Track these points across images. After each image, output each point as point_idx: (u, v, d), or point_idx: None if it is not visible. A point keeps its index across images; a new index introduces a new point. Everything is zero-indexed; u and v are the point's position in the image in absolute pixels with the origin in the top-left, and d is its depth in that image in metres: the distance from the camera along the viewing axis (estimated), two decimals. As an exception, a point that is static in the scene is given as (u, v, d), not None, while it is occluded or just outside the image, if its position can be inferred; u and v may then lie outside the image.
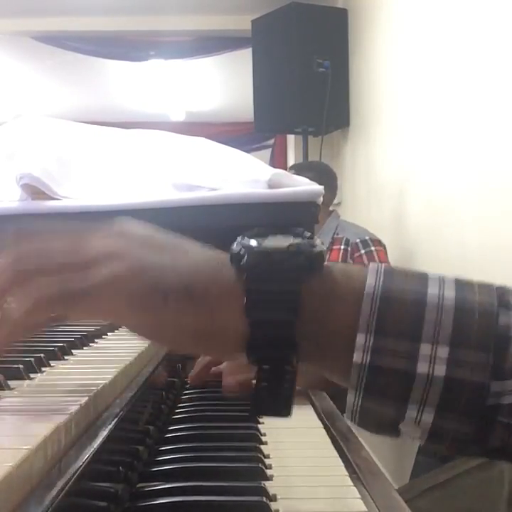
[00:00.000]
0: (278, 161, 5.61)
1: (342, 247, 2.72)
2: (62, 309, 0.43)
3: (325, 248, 0.43)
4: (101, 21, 4.43)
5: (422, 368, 0.40)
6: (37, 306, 0.43)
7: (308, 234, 0.44)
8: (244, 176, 1.42)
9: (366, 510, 0.49)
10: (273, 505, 0.49)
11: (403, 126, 2.77)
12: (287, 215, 1.39)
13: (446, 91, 2.24)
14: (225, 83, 5.85)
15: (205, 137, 1.63)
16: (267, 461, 0.59)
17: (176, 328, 0.42)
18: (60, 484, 0.37)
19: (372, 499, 0.52)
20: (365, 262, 2.67)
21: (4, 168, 1.46)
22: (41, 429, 0.39)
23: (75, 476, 0.38)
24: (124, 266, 0.43)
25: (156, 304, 0.42)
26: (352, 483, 0.55)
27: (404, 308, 0.41)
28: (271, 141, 6.22)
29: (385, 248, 2.75)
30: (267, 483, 0.53)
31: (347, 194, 3.87)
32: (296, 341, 0.41)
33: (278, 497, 0.51)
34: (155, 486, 0.52)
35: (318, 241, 0.43)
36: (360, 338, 0.40)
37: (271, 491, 0.51)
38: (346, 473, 0.57)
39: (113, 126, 1.81)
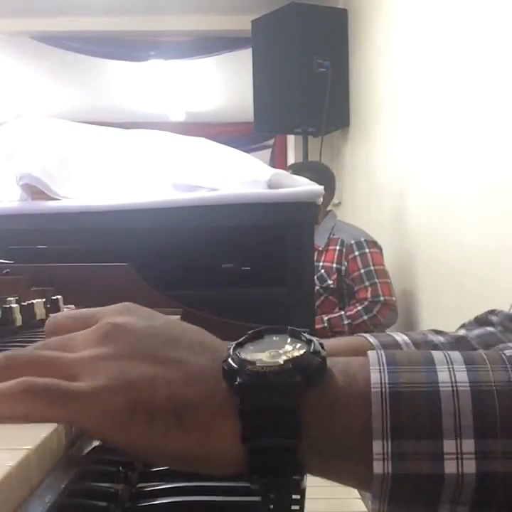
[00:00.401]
0: (278, 161, 5.61)
1: (337, 247, 2.72)
2: (43, 406, 0.39)
3: (326, 353, 0.40)
4: (101, 21, 4.43)
5: (449, 467, 0.37)
6: (22, 395, 0.39)
7: (307, 336, 0.41)
8: (244, 176, 1.42)
9: (366, 510, 0.49)
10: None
11: (403, 126, 2.77)
12: (287, 215, 1.39)
13: (446, 91, 2.24)
14: (225, 83, 5.85)
15: (205, 137, 1.64)
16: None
17: (162, 451, 0.39)
18: (60, 484, 0.37)
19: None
20: (359, 264, 2.67)
21: (4, 168, 1.46)
22: (41, 429, 0.39)
23: (75, 476, 0.38)
24: (102, 382, 0.38)
25: (139, 425, 0.38)
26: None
27: (417, 403, 0.38)
28: (271, 141, 6.22)
29: (380, 250, 2.75)
30: (267, 483, 0.53)
31: (347, 194, 3.87)
32: (301, 465, 0.38)
33: (278, 497, 0.51)
34: (155, 486, 0.52)
35: (316, 343, 0.40)
36: (376, 447, 0.37)
37: (271, 491, 0.51)
38: (346, 474, 0.57)
39: (113, 126, 1.81)
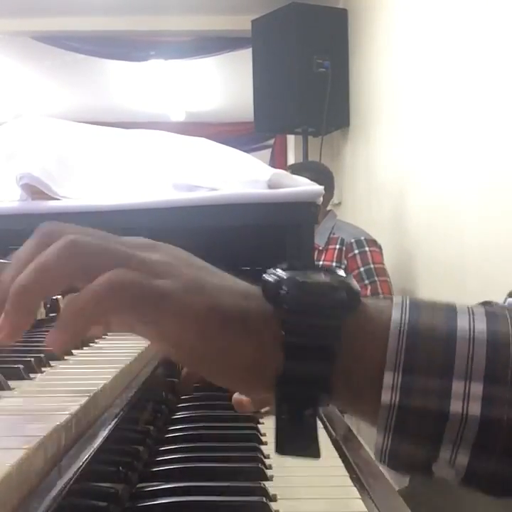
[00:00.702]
0: (278, 161, 5.61)
1: (337, 246, 2.73)
2: (136, 305, 0.39)
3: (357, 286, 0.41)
4: (101, 21, 4.43)
5: (455, 406, 0.38)
6: (114, 291, 0.38)
7: (340, 271, 0.42)
8: (244, 176, 1.42)
9: (366, 510, 0.49)
10: (273, 505, 0.49)
11: (403, 126, 2.77)
12: (287, 215, 1.39)
13: (446, 91, 2.24)
14: (225, 83, 5.85)
15: (205, 137, 1.63)
16: (267, 461, 0.59)
17: (227, 358, 0.40)
18: (60, 484, 0.37)
19: (372, 499, 0.52)
20: (359, 262, 2.68)
21: (4, 168, 1.46)
22: (41, 429, 0.39)
23: (75, 476, 0.38)
24: (182, 283, 0.39)
25: (214, 327, 0.39)
26: (352, 484, 0.54)
27: (433, 343, 0.39)
28: (271, 141, 6.22)
29: (380, 249, 2.75)
30: (267, 483, 0.53)
31: (347, 194, 3.87)
32: (330, 381, 0.39)
33: (278, 497, 0.51)
34: (155, 486, 0.52)
35: (351, 278, 0.41)
36: (387, 377, 0.38)
37: (271, 491, 0.51)
38: (346, 474, 0.57)
39: (113, 126, 1.81)
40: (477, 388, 0.38)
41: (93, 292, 0.38)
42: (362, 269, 2.67)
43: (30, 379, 0.56)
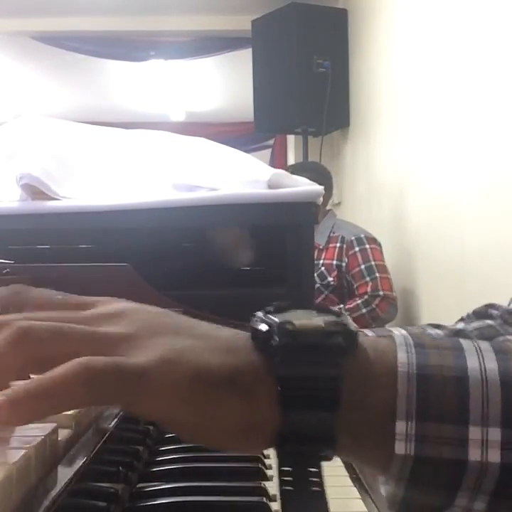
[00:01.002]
0: (278, 161, 5.61)
1: (337, 245, 2.74)
2: (105, 390, 0.34)
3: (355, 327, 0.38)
4: (101, 21, 4.43)
5: (473, 455, 0.36)
6: (83, 378, 0.34)
7: (334, 309, 0.39)
8: (244, 176, 1.42)
9: (366, 510, 0.49)
10: (273, 506, 0.49)
11: (403, 126, 2.77)
12: (287, 215, 1.39)
13: (446, 91, 2.24)
14: (225, 83, 5.85)
15: (205, 137, 1.63)
16: (267, 461, 0.59)
17: (222, 423, 0.36)
18: (60, 484, 0.37)
19: (372, 499, 0.52)
20: (359, 259, 2.69)
21: (4, 168, 1.46)
22: (41, 429, 0.39)
23: (75, 476, 0.38)
24: (156, 354, 0.35)
25: (201, 395, 0.36)
26: (352, 484, 0.54)
27: (445, 387, 0.36)
28: (271, 141, 6.22)
29: (380, 247, 2.76)
30: (267, 483, 0.53)
31: (347, 194, 3.87)
32: (334, 436, 0.36)
33: (278, 497, 0.51)
34: (155, 486, 0.52)
35: (347, 317, 0.39)
36: (400, 426, 0.36)
37: (271, 491, 0.51)
38: (346, 474, 0.57)
39: (113, 126, 1.81)
40: (495, 434, 0.36)
41: (58, 385, 0.33)
42: (363, 266, 2.68)
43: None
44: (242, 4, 4.14)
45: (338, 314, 0.38)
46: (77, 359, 0.34)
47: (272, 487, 0.52)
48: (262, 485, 0.52)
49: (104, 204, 1.37)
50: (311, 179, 1.47)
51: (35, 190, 1.37)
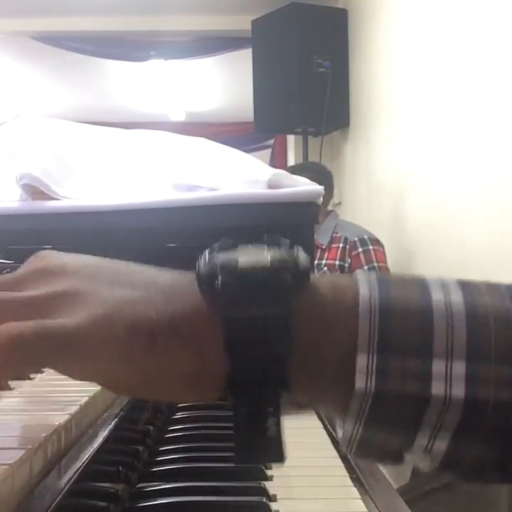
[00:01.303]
0: (278, 161, 5.61)
1: (340, 245, 2.74)
2: (38, 355, 0.33)
3: (309, 257, 0.36)
4: (101, 21, 4.43)
5: (436, 388, 0.34)
6: (13, 348, 0.32)
7: (286, 241, 0.37)
8: (244, 176, 1.42)
9: (366, 510, 0.49)
10: (273, 505, 0.49)
11: (403, 126, 2.77)
12: (287, 215, 1.39)
13: (446, 91, 2.24)
14: (225, 83, 5.85)
15: (205, 137, 1.64)
16: (267, 461, 0.59)
17: (167, 375, 0.34)
18: (60, 484, 0.37)
19: (372, 499, 0.52)
20: (363, 260, 2.69)
21: (4, 168, 1.46)
22: (41, 429, 0.39)
23: (75, 476, 0.38)
24: (87, 310, 0.34)
25: (142, 348, 0.33)
26: (352, 484, 0.54)
27: (408, 319, 0.34)
28: (271, 141, 6.22)
29: (383, 248, 2.76)
30: (267, 483, 0.53)
31: (347, 194, 3.87)
32: (287, 376, 0.34)
33: (278, 497, 0.51)
34: (155, 486, 0.52)
35: (300, 251, 0.36)
36: (361, 360, 0.34)
37: (271, 491, 0.51)
38: (346, 474, 0.57)
39: (113, 126, 1.81)
40: (459, 367, 0.34)
41: None
42: (366, 267, 2.68)
43: (31, 379, 0.56)
44: (242, 4, 4.14)
45: (290, 248, 0.36)
46: (5, 324, 0.33)
47: (272, 487, 0.52)
48: (262, 485, 0.52)
49: (104, 204, 1.37)
50: (311, 179, 1.47)
51: (35, 190, 1.37)
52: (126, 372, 0.34)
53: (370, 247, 2.72)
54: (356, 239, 2.73)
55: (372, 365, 0.34)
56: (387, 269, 2.71)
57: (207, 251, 0.37)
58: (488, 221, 1.89)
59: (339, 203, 3.98)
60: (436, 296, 0.35)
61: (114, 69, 5.40)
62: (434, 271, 2.39)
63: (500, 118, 1.81)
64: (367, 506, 0.50)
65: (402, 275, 0.38)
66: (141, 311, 0.34)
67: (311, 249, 1.43)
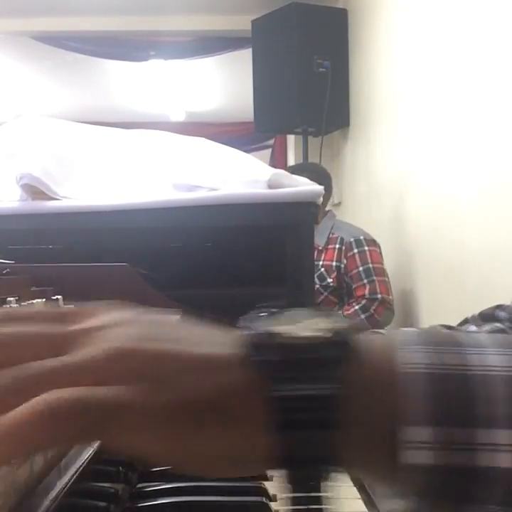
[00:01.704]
0: (278, 161, 5.60)
1: (336, 246, 2.74)
2: (83, 436, 0.32)
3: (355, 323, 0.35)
4: (101, 21, 4.43)
5: (483, 460, 0.32)
6: (45, 418, 0.29)
7: (332, 312, 0.36)
8: (244, 176, 1.42)
9: (366, 510, 0.49)
10: (273, 505, 0.49)
11: (403, 126, 2.77)
12: (287, 215, 1.39)
13: (446, 91, 2.23)
14: (225, 83, 5.85)
15: (205, 137, 1.64)
16: (267, 461, 0.59)
17: (210, 454, 0.33)
18: (60, 484, 0.37)
19: (372, 499, 0.52)
20: (358, 261, 2.68)
21: (5, 168, 1.46)
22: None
23: (75, 476, 0.38)
24: (135, 389, 0.31)
25: (188, 426, 0.32)
26: (352, 483, 0.54)
27: (450, 387, 0.32)
28: (271, 141, 6.22)
29: (379, 248, 2.76)
30: (267, 483, 0.53)
31: (347, 194, 3.87)
32: (339, 453, 0.32)
33: (278, 497, 0.51)
34: (155, 486, 0.52)
35: (346, 320, 0.35)
36: (414, 434, 0.32)
37: (271, 491, 0.51)
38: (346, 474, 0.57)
39: (113, 126, 1.81)
40: (504, 436, 0.32)
41: (18, 428, 0.29)
42: (361, 268, 2.68)
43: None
44: (242, 4, 4.14)
45: (337, 318, 0.35)
46: (41, 396, 0.30)
47: (272, 487, 0.52)
48: (262, 485, 0.52)
49: (104, 204, 1.37)
50: (310, 180, 1.47)
51: (35, 190, 1.37)
52: (167, 450, 0.32)
53: (366, 248, 2.71)
54: (352, 239, 2.72)
55: (432, 438, 0.32)
56: (382, 270, 2.70)
57: (251, 315, 0.36)
58: (488, 221, 1.89)
59: (339, 203, 3.98)
60: (474, 360, 0.34)
61: (114, 69, 5.40)
62: (434, 271, 2.39)
63: (500, 118, 1.81)
64: (367, 506, 0.50)
65: (436, 332, 0.37)
66: (191, 382, 0.32)
67: (311, 249, 1.43)
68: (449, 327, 0.70)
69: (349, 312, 2.63)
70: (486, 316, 0.73)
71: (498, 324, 0.71)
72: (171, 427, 0.31)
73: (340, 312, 2.64)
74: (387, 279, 2.70)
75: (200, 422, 0.32)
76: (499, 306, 0.73)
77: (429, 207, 2.43)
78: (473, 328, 0.72)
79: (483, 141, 1.92)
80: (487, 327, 0.70)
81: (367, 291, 2.64)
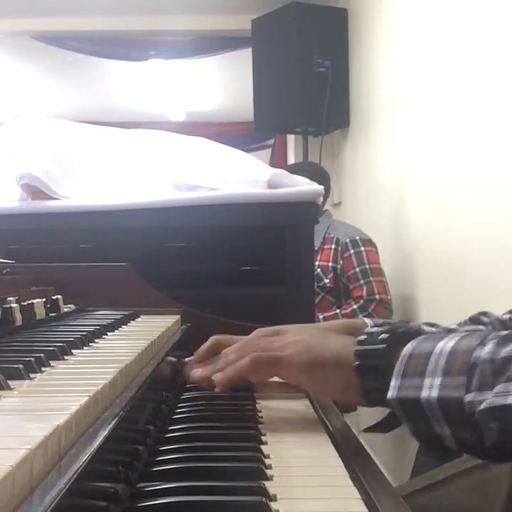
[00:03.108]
0: (278, 161, 5.60)
1: (332, 246, 2.73)
2: (264, 368, 0.74)
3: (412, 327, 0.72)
4: (101, 21, 4.43)
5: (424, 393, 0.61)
6: (253, 362, 0.74)
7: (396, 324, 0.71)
8: (244, 176, 1.42)
9: (366, 510, 0.49)
10: (273, 505, 0.49)
11: (403, 126, 2.77)
12: (287, 215, 1.39)
13: (446, 91, 2.24)
14: (225, 83, 5.85)
15: (205, 137, 1.64)
16: (267, 461, 0.59)
17: (330, 384, 0.71)
18: (60, 484, 0.37)
19: (373, 499, 0.52)
20: (354, 262, 2.68)
21: (4, 168, 1.46)
22: (41, 429, 0.39)
23: (75, 476, 0.38)
24: (302, 345, 0.73)
25: (318, 369, 0.71)
26: (352, 483, 0.54)
27: (418, 361, 0.63)
28: (271, 141, 6.22)
29: (376, 248, 2.75)
30: (267, 483, 0.53)
31: (347, 194, 3.87)
32: (388, 381, 0.66)
33: (278, 497, 0.51)
34: (155, 486, 0.52)
35: (399, 326, 0.71)
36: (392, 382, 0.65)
37: (271, 491, 0.51)
38: (346, 474, 0.57)
39: (113, 126, 1.82)
40: (437, 380, 0.61)
41: (246, 362, 0.74)
42: (357, 269, 2.67)
43: (30, 379, 0.56)
44: (242, 4, 4.14)
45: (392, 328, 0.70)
46: (252, 354, 0.75)
47: (272, 487, 0.52)
48: (262, 485, 0.52)
49: (104, 204, 1.37)
50: (308, 179, 1.47)
51: (35, 190, 1.37)
52: (309, 382, 0.75)
53: (362, 249, 2.70)
54: (348, 240, 2.71)
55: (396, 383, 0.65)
56: (379, 270, 2.69)
57: (372, 328, 0.72)
58: (488, 221, 1.89)
59: (339, 203, 3.98)
60: (439, 345, 0.64)
61: (114, 69, 5.41)
62: (434, 271, 2.39)
63: (500, 118, 1.81)
64: (367, 506, 0.50)
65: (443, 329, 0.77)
66: (323, 353, 0.72)
67: (311, 249, 1.44)
68: (432, 324, 0.95)
69: (347, 311, 2.63)
70: (473, 321, 0.97)
71: (480, 326, 0.94)
72: (308, 370, 0.72)
73: (338, 311, 2.64)
74: (384, 279, 2.69)
75: (327, 370, 0.71)
76: (484, 313, 0.97)
77: (429, 207, 2.43)
78: (454, 326, 0.94)
79: (483, 141, 1.92)
80: (467, 327, 0.94)
81: (364, 292, 2.64)
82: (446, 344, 0.62)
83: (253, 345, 0.76)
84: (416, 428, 0.63)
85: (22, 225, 1.38)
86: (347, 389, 0.69)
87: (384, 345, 0.67)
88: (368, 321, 0.95)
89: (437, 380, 0.60)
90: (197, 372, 0.82)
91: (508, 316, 0.96)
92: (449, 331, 0.94)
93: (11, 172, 1.38)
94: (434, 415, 0.60)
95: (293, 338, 0.74)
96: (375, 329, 0.70)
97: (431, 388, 0.60)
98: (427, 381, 0.61)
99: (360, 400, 0.69)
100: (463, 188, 2.07)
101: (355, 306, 2.63)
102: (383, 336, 0.68)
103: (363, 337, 0.69)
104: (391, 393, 0.63)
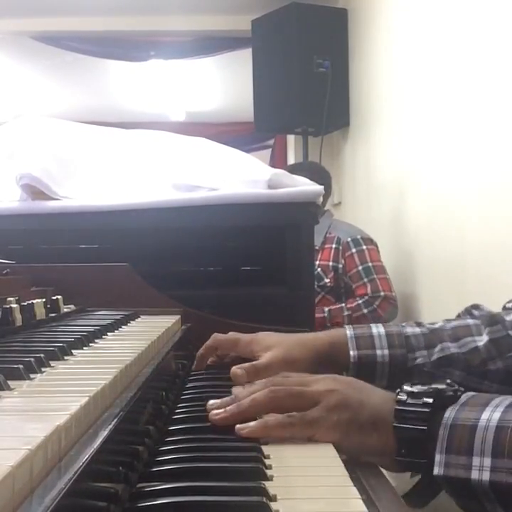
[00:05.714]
0: (278, 161, 5.61)
1: (333, 246, 2.72)
2: (298, 433, 0.66)
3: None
4: (101, 21, 4.43)
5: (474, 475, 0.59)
6: (285, 427, 0.66)
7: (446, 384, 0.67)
8: (244, 176, 1.42)
9: (366, 510, 0.49)
10: (273, 505, 0.49)
11: (403, 126, 2.77)
12: (287, 215, 1.39)
13: (446, 91, 2.24)
14: (225, 83, 5.85)
15: (205, 137, 1.64)
16: (267, 461, 0.59)
17: (363, 446, 0.65)
18: (60, 484, 0.37)
19: (373, 499, 0.52)
20: (356, 261, 2.68)
21: (4, 168, 1.46)
22: (41, 429, 0.39)
23: (75, 477, 0.38)
24: (337, 397, 0.67)
25: (353, 430, 0.65)
26: (352, 483, 0.54)
27: (463, 432, 0.61)
28: (271, 141, 6.22)
29: (377, 247, 2.75)
30: (267, 483, 0.53)
31: (347, 194, 3.87)
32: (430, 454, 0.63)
33: (278, 497, 0.51)
34: (155, 486, 0.52)
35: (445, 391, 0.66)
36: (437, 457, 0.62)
37: (271, 491, 0.51)
38: (346, 474, 0.57)
39: (113, 126, 1.81)
40: (487, 461, 0.58)
41: (277, 424, 0.66)
42: (360, 267, 2.67)
43: (30, 379, 0.56)
44: (242, 4, 4.13)
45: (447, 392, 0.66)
46: (268, 389, 0.69)
47: (272, 487, 0.52)
48: (262, 485, 0.52)
49: (104, 204, 1.37)
50: (308, 179, 1.47)
51: (35, 190, 1.37)
52: (340, 441, 0.65)
53: (364, 247, 2.70)
54: (349, 239, 2.71)
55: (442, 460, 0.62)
56: (382, 267, 2.70)
57: (409, 389, 0.67)
58: (489, 221, 1.89)
59: (339, 203, 3.98)
60: (484, 415, 0.61)
61: (114, 69, 5.40)
62: (434, 270, 2.39)
63: (500, 118, 1.81)
64: (367, 506, 0.50)
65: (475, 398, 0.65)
66: (360, 409, 0.66)
67: (311, 249, 1.44)
68: (418, 324, 0.97)
69: (352, 305, 2.63)
70: (466, 312, 1.03)
71: (469, 320, 0.99)
72: (344, 431, 0.65)
73: (342, 306, 2.64)
74: (387, 276, 2.69)
75: (363, 432, 0.65)
76: (476, 306, 1.02)
77: (429, 207, 2.43)
78: (439, 324, 0.98)
79: (483, 141, 1.92)
80: (454, 323, 0.98)
81: (369, 290, 2.64)
82: (492, 416, 0.60)
83: (282, 399, 0.68)
84: (466, 505, 0.62)
85: (22, 225, 1.38)
86: (383, 454, 0.65)
87: (427, 409, 0.64)
88: (348, 332, 0.94)
89: (487, 461, 0.58)
90: (218, 415, 0.69)
91: (510, 304, 0.98)
92: (432, 333, 0.95)
93: (11, 172, 1.38)
94: (486, 497, 0.59)
95: (325, 386, 0.68)
96: (417, 388, 0.66)
97: (481, 470, 0.58)
98: (476, 461, 0.59)
99: (393, 466, 0.65)
100: (463, 188, 2.07)
101: (360, 301, 2.62)
102: (426, 399, 0.64)
103: (403, 396, 0.65)
104: (438, 470, 0.61)
